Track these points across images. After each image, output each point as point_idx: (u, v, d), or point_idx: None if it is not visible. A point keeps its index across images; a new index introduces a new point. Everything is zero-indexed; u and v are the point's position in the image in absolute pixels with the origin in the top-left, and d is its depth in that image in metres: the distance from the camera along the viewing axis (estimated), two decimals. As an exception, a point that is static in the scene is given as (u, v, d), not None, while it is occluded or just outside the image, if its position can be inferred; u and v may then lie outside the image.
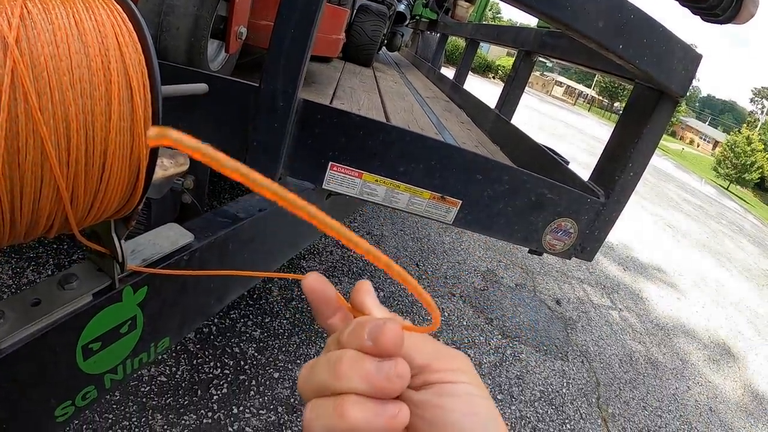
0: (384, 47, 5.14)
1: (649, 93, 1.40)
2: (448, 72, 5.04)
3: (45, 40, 0.44)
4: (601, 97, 56.39)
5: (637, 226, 7.51)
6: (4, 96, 0.40)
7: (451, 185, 1.28)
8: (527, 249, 1.51)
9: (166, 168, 0.72)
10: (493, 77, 44.07)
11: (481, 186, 1.30)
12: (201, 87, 0.62)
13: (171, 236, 0.88)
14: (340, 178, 1.22)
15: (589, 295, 4.27)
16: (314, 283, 0.42)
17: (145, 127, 0.49)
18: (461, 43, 23.51)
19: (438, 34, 5.84)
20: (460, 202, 1.31)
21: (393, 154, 1.21)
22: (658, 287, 5.22)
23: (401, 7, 4.84)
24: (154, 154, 0.51)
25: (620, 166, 1.46)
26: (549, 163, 1.84)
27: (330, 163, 1.20)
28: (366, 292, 0.43)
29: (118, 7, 0.53)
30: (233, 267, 1.08)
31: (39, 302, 0.69)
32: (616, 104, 53.80)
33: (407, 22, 5.36)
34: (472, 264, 3.91)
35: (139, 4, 1.06)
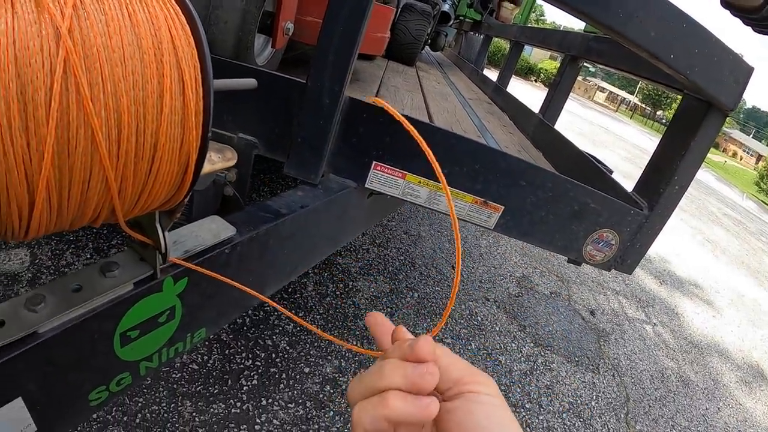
0: (427, 47, 5.12)
1: (698, 105, 1.37)
2: (490, 73, 5.00)
3: (97, 31, 0.44)
4: (643, 105, 55.36)
5: (675, 239, 7.36)
6: (56, 86, 0.40)
7: (493, 190, 1.27)
8: (566, 258, 1.49)
9: (213, 162, 0.73)
10: (535, 80, 43.60)
11: (525, 192, 1.28)
12: (250, 82, 0.62)
13: (213, 229, 0.88)
14: (383, 178, 1.21)
15: (624, 308, 4.20)
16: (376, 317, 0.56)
17: (196, 121, 0.49)
18: (503, 44, 23.32)
19: (481, 35, 5.79)
20: (503, 207, 1.29)
21: (437, 156, 1.19)
22: (693, 303, 5.10)
23: (446, 7, 4.81)
24: (203, 148, 0.51)
25: (665, 178, 1.43)
26: (592, 171, 1.81)
27: (374, 162, 1.19)
28: (403, 332, 0.52)
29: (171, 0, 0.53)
30: (273, 262, 1.08)
31: (80, 288, 0.69)
32: (659, 112, 52.76)
33: (451, 22, 5.33)
34: (507, 269, 3.87)
35: (187, -3, 1.07)
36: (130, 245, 0.77)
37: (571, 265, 4.29)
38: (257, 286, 1.05)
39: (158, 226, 0.64)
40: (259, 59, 1.36)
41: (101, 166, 0.44)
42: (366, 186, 1.22)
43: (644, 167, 1.58)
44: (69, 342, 0.67)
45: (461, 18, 5.92)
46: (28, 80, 0.39)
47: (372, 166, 1.20)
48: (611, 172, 1.91)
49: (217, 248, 0.87)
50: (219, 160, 0.69)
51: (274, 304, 0.76)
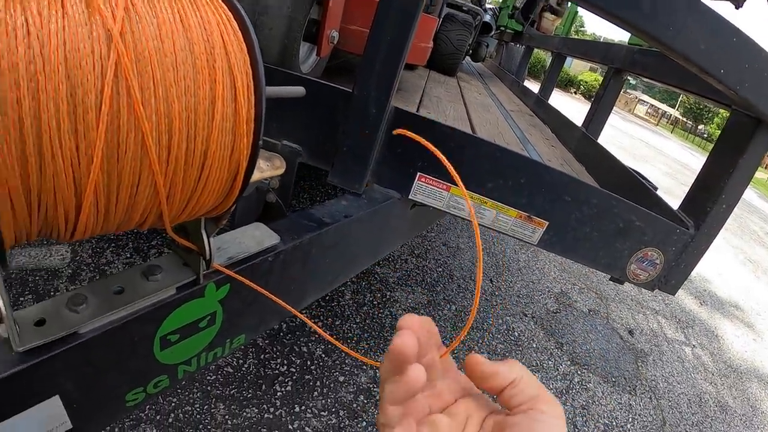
0: (468, 57, 5.10)
1: (747, 121, 1.32)
2: (530, 84, 4.95)
3: (149, 34, 0.43)
4: (684, 119, 54.23)
5: (717, 258, 7.17)
6: (107, 89, 0.40)
7: (538, 205, 1.25)
8: (608, 276, 1.45)
9: (262, 170, 0.72)
10: (575, 92, 43.09)
11: (570, 208, 1.25)
12: (299, 90, 0.62)
13: (257, 236, 0.88)
14: (427, 190, 1.20)
15: (663, 328, 4.10)
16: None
17: (247, 129, 0.48)
18: (542, 55, 23.11)
19: (522, 46, 5.76)
20: (547, 223, 1.27)
21: (482, 168, 1.18)
22: (734, 326, 4.95)
23: (487, 18, 4.79)
24: (253, 156, 0.50)
25: (712, 197, 1.39)
26: (637, 187, 1.77)
27: (418, 173, 1.18)
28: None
29: (223, 4, 0.53)
30: (315, 271, 1.07)
31: (122, 290, 0.69)
32: (700, 126, 51.59)
33: (492, 33, 5.30)
34: (546, 284, 3.82)
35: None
36: (172, 249, 0.77)
37: (611, 282, 4.23)
38: (298, 295, 1.05)
39: (204, 232, 0.64)
40: (304, 67, 1.37)
41: (150, 172, 0.43)
42: (410, 197, 1.21)
43: (690, 185, 1.53)
44: (109, 343, 0.68)
45: (502, 28, 5.89)
46: (78, 82, 0.39)
47: (416, 178, 1.19)
48: (656, 188, 1.87)
49: (261, 256, 0.86)
50: (267, 168, 0.68)
51: (304, 318, 0.75)
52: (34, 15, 0.39)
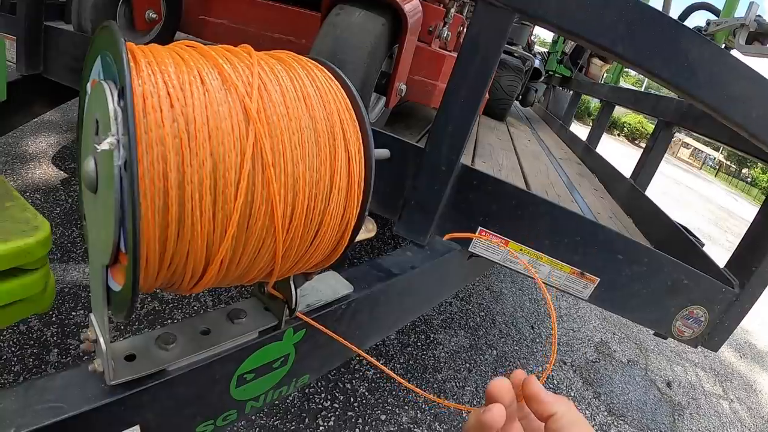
0: (517, 101, 5.13)
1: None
2: (574, 126, 4.94)
3: (280, 113, 0.47)
4: (728, 162, 53.06)
5: (758, 309, 6.97)
6: (247, 166, 0.44)
7: (591, 262, 1.27)
8: (651, 330, 1.46)
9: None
10: (619, 134, 42.51)
11: (621, 266, 1.27)
12: (385, 153, 0.66)
13: (332, 285, 0.92)
14: (486, 244, 1.23)
15: (702, 381, 4.00)
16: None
17: (357, 200, 0.52)
18: (587, 98, 22.89)
19: (570, 92, 5.76)
20: (598, 279, 1.29)
21: (541, 226, 1.21)
22: (773, 380, 4.82)
23: (537, 63, 4.82)
24: (358, 226, 0.54)
25: (758, 256, 1.39)
26: (684, 244, 1.77)
27: (479, 228, 1.21)
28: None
29: (333, 77, 0.57)
30: (380, 319, 1.11)
31: (208, 331, 0.74)
32: (744, 170, 50.38)
33: (542, 78, 5.33)
34: (586, 333, 3.77)
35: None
36: (256, 295, 0.81)
37: (650, 332, 4.16)
38: (360, 339, 1.08)
39: (292, 284, 0.68)
40: (371, 116, 1.41)
41: (273, 240, 0.47)
42: (469, 250, 1.24)
43: (731, 233, 1.54)
44: (193, 380, 0.72)
45: (550, 73, 5.91)
46: (220, 158, 0.43)
47: (477, 232, 1.22)
48: (702, 245, 1.87)
49: (335, 304, 0.90)
50: (362, 231, 0.72)
51: (374, 362, 0.79)
52: (176, 88, 0.43)
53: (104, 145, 0.41)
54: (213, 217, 0.44)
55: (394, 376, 0.76)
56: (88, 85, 0.54)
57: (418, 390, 0.51)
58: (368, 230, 0.74)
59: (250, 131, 0.44)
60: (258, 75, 0.48)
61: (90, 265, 0.56)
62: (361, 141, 0.53)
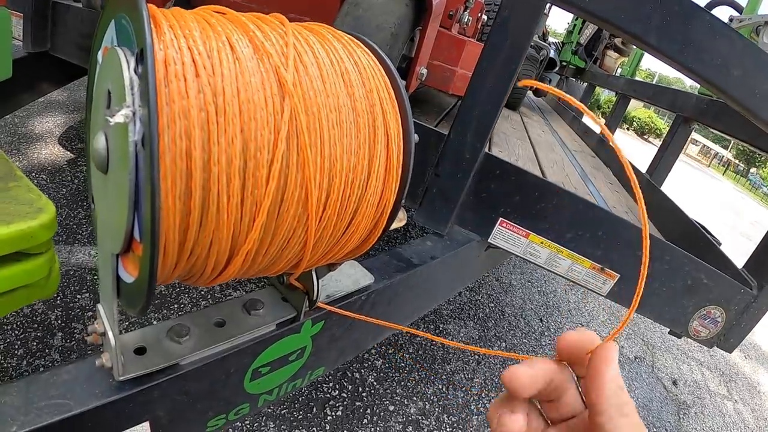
0: (530, 91, 5.07)
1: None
2: (585, 120, 4.89)
3: (317, 88, 0.42)
4: (737, 161, 52.84)
5: (762, 311, 6.94)
6: (281, 145, 0.39)
7: (612, 257, 1.24)
8: (665, 328, 1.43)
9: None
10: (628, 129, 42.23)
11: (641, 262, 1.23)
12: (414, 137, 0.61)
13: (353, 275, 0.88)
14: (506, 235, 1.19)
15: (707, 380, 3.98)
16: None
17: (394, 189, 0.48)
18: (597, 89, 22.79)
19: (584, 83, 5.71)
20: (618, 275, 1.26)
21: (563, 219, 1.17)
22: (777, 382, 4.79)
23: (551, 53, 4.76)
24: (393, 215, 0.50)
25: None
26: (702, 242, 1.73)
27: (500, 219, 1.17)
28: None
29: (366, 48, 0.52)
30: (398, 309, 1.07)
31: (223, 323, 0.69)
32: (753, 170, 50.18)
33: (556, 69, 5.27)
34: (594, 328, 3.73)
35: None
36: (274, 285, 0.77)
37: (657, 329, 4.13)
38: (377, 331, 1.05)
39: (314, 275, 0.64)
40: (389, 100, 1.37)
41: (305, 229, 0.42)
42: (489, 241, 1.20)
43: (757, 244, 1.50)
44: (206, 375, 0.68)
45: (564, 64, 5.85)
46: (251, 136, 0.38)
47: (498, 223, 1.18)
48: (720, 243, 1.82)
49: (355, 295, 0.86)
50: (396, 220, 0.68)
51: (415, 331, 0.75)
52: (203, 55, 0.38)
53: (118, 118, 0.36)
54: (241, 204, 0.39)
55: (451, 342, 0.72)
56: (99, 54, 0.49)
57: (490, 351, 0.46)
58: (399, 219, 0.70)
59: (286, 106, 0.39)
60: (293, 45, 0.43)
61: (99, 252, 0.52)
62: (400, 123, 0.48)
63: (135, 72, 0.38)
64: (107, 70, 0.42)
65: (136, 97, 0.37)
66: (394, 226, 0.59)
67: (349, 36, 0.52)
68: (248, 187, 0.38)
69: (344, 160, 0.43)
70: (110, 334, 0.55)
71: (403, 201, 0.50)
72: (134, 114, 0.37)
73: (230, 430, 1.67)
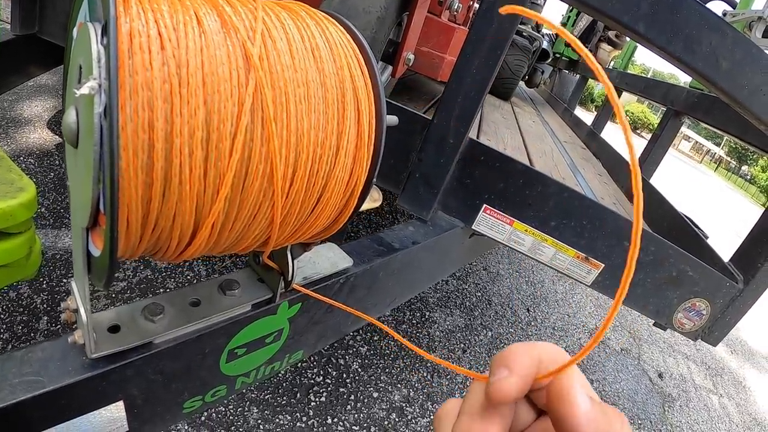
0: (522, 82, 5.07)
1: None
2: (578, 112, 4.89)
3: (285, 63, 0.42)
4: (729, 158, 52.98)
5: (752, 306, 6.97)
6: (245, 118, 0.39)
7: (597, 247, 1.24)
8: (649, 320, 1.44)
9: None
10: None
11: (627, 253, 1.23)
12: (394, 119, 0.61)
13: (331, 257, 0.88)
14: (490, 222, 1.19)
15: (693, 374, 4.00)
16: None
17: (365, 166, 0.47)
18: (590, 83, 22.80)
19: (576, 75, 5.71)
20: (603, 265, 1.26)
21: (548, 207, 1.17)
22: (762, 377, 4.79)
23: (545, 44, 4.75)
24: (364, 194, 0.49)
25: (766, 252, 1.37)
26: (689, 235, 1.74)
27: (484, 205, 1.17)
28: None
29: (340, 26, 0.52)
30: (378, 294, 1.07)
31: (198, 303, 0.69)
32: (744, 167, 50.30)
33: (549, 60, 5.27)
34: (581, 319, 3.75)
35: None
36: (251, 265, 0.76)
37: (644, 321, 4.14)
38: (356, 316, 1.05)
39: (289, 255, 0.64)
40: (376, 86, 1.36)
41: (270, 204, 0.42)
42: (473, 227, 1.20)
43: (744, 238, 1.51)
44: (181, 354, 0.68)
45: (557, 55, 5.84)
46: (214, 108, 0.38)
47: (482, 209, 1.18)
48: (707, 237, 1.83)
49: (333, 278, 0.86)
50: (367, 202, 0.68)
51: (384, 327, 0.75)
52: (168, 28, 0.38)
53: (84, 89, 0.36)
54: (204, 176, 0.39)
55: (410, 344, 0.72)
56: (75, 30, 0.49)
57: (436, 358, 0.45)
58: (373, 199, 0.70)
59: (251, 79, 0.39)
60: (262, 20, 0.42)
61: (72, 228, 0.51)
62: (372, 100, 0.48)
63: (101, 44, 0.37)
64: (80, 45, 0.42)
65: (102, 69, 0.37)
66: (368, 206, 0.59)
67: (324, 14, 0.52)
68: (211, 159, 0.38)
69: (311, 135, 0.42)
70: (82, 310, 0.55)
71: (375, 179, 0.49)
72: (100, 86, 0.36)
73: (214, 414, 1.67)
